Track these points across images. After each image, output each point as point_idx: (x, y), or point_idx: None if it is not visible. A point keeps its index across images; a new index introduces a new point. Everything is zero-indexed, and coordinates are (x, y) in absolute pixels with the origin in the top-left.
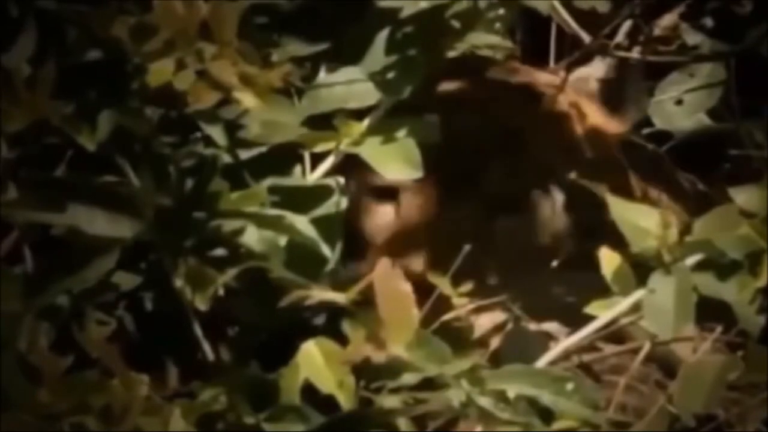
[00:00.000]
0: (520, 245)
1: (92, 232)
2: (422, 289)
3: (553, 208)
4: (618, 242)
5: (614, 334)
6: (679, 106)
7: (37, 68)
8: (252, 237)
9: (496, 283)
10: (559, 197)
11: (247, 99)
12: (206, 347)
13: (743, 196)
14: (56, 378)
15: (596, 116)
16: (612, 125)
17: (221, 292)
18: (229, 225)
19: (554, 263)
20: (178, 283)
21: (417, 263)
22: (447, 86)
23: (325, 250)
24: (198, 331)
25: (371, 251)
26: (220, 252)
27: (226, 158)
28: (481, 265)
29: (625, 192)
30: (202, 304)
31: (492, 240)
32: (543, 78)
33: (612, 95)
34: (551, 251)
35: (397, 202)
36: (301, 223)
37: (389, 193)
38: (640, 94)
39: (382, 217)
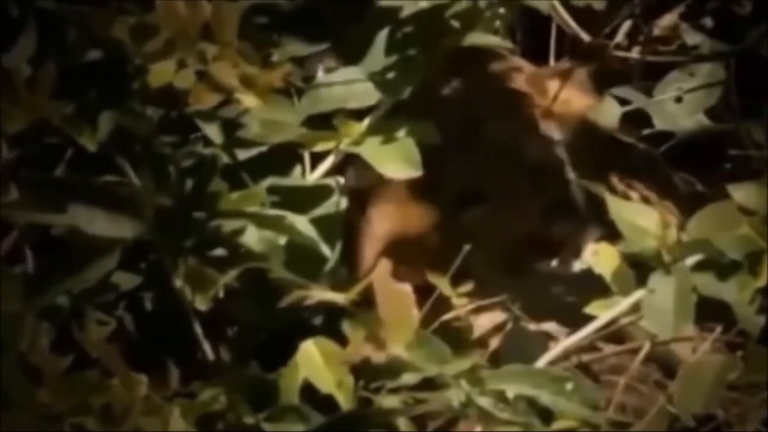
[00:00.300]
0: (491, 235)
1: (92, 232)
2: (421, 289)
3: (517, 191)
4: (589, 221)
5: (614, 334)
6: (679, 107)
7: (38, 68)
8: (252, 237)
9: (483, 279)
10: (522, 179)
11: (248, 100)
12: (206, 347)
13: (741, 194)
14: (57, 378)
15: (559, 91)
16: (577, 98)
17: (221, 293)
18: (229, 225)
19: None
20: (178, 283)
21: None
22: None
23: (325, 250)
24: (198, 331)
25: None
26: (220, 252)
27: (227, 158)
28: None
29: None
30: (202, 305)
31: (463, 236)
32: (499, 59)
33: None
34: (522, 236)
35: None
36: (301, 223)
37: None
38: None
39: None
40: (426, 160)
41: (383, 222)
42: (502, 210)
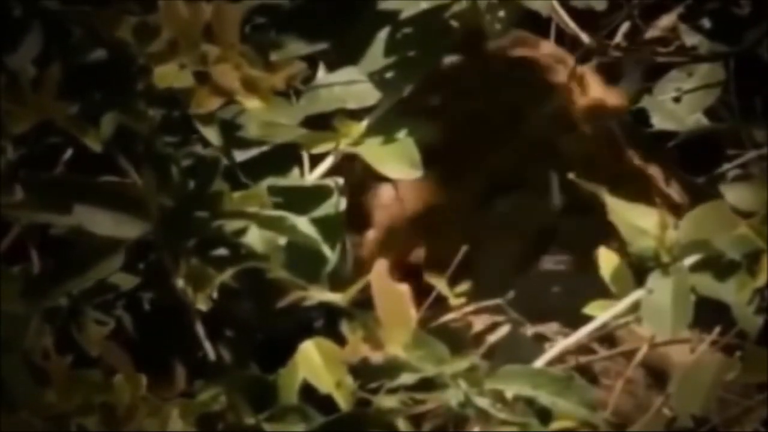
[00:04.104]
0: (519, 225)
1: (98, 232)
2: (420, 288)
3: (549, 185)
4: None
5: (612, 337)
6: (678, 106)
7: (43, 69)
8: (254, 237)
9: (494, 275)
10: (554, 175)
11: (250, 103)
12: (207, 347)
13: (734, 194)
14: (62, 378)
15: (597, 88)
16: (612, 97)
17: (216, 293)
18: (231, 225)
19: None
20: (180, 283)
21: (415, 246)
22: (447, 65)
23: (326, 250)
24: (200, 330)
25: (371, 228)
26: (221, 252)
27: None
28: (478, 258)
29: (620, 167)
30: (203, 304)
31: (490, 221)
32: (546, 48)
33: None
34: (548, 230)
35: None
36: (303, 224)
37: None
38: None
39: (383, 196)
40: (466, 141)
41: (411, 189)
42: (529, 201)
